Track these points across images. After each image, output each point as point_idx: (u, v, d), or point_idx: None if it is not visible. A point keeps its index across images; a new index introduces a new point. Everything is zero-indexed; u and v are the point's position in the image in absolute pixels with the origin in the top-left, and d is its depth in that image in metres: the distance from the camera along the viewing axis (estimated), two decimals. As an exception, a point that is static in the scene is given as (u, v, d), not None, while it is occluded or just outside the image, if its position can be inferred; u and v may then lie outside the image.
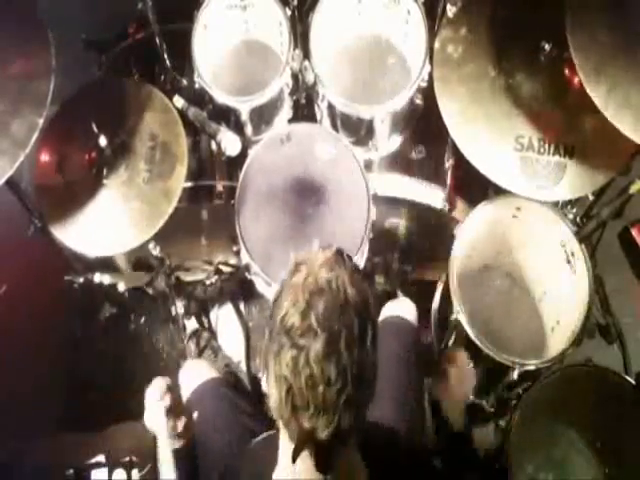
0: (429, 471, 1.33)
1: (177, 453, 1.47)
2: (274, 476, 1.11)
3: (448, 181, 2.11)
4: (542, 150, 1.77)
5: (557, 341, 1.91)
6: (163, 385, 1.43)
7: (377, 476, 1.13)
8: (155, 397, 1.43)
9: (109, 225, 1.81)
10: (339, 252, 1.03)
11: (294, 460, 0.98)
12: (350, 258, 1.04)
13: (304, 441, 0.97)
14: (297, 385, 0.94)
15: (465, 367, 1.61)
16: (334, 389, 0.93)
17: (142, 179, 1.81)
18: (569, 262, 1.90)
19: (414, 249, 2.28)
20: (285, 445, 1.06)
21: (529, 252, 2.09)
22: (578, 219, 1.96)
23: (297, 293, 0.97)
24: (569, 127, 1.78)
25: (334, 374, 0.93)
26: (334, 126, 2.08)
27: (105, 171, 1.81)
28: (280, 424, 1.02)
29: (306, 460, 0.99)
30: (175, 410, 1.44)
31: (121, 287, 2.24)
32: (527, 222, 1.97)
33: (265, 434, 1.34)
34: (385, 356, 1.80)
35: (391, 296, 2.29)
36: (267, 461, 1.14)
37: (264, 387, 1.04)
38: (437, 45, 1.85)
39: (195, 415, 1.62)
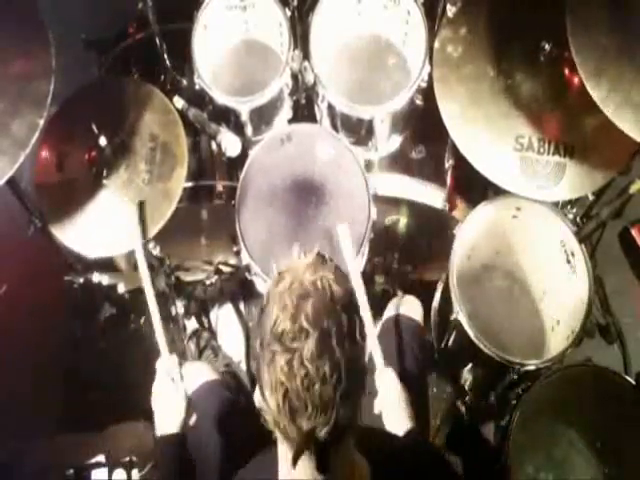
0: (439, 466, 1.33)
1: (176, 438, 1.49)
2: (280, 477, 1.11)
3: (448, 181, 2.11)
4: (542, 150, 1.77)
5: (557, 341, 1.91)
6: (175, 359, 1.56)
7: (381, 472, 1.13)
8: (169, 368, 1.50)
9: (109, 225, 1.81)
10: (319, 255, 1.05)
11: (295, 463, 0.98)
12: (331, 259, 1.06)
13: (304, 442, 0.97)
14: (293, 387, 0.94)
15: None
16: (330, 386, 0.94)
17: (142, 180, 1.81)
18: (569, 262, 1.90)
19: (414, 249, 2.28)
20: (284, 455, 1.06)
21: (529, 252, 2.09)
22: (578, 219, 1.96)
23: (284, 299, 0.97)
24: (569, 127, 1.78)
25: (329, 371, 0.94)
26: (334, 126, 2.08)
27: (105, 171, 1.81)
28: (278, 434, 1.02)
29: (306, 462, 1.00)
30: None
31: (121, 288, 2.24)
32: (527, 222, 1.97)
33: (257, 457, 1.33)
34: (394, 358, 1.82)
35: (391, 296, 2.29)
36: (265, 476, 1.14)
37: (258, 401, 1.03)
38: (437, 45, 1.85)
39: (195, 417, 1.63)
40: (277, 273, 1.04)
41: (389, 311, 2.02)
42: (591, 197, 1.91)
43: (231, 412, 1.78)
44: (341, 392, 0.95)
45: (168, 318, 2.29)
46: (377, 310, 2.10)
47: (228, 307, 2.56)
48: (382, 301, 2.13)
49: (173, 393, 1.55)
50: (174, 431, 1.52)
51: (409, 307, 2.00)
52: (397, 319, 1.96)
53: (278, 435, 1.02)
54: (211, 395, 1.81)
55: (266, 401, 0.99)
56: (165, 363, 1.59)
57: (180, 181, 1.79)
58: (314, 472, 1.00)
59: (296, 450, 0.97)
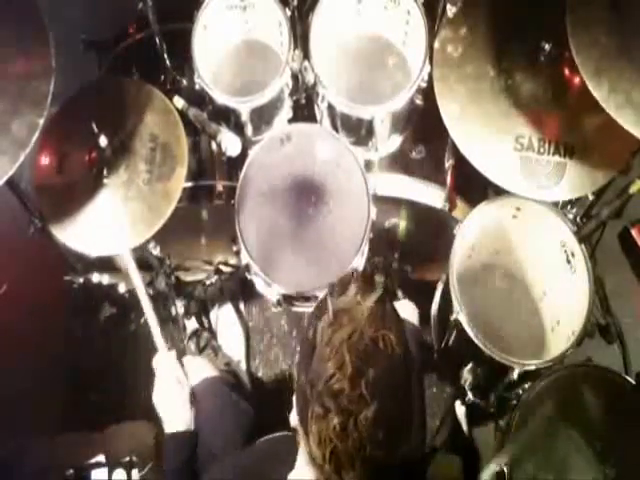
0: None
1: (182, 436, 1.48)
2: (290, 476, 1.10)
3: (448, 181, 2.11)
4: (542, 150, 1.77)
5: (557, 341, 1.91)
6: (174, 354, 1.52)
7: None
8: (169, 364, 1.45)
9: (109, 225, 1.81)
10: (379, 288, 1.00)
11: None
12: (390, 302, 1.00)
13: None
14: (343, 448, 0.91)
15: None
16: (382, 448, 0.92)
17: (142, 180, 1.81)
18: (569, 262, 1.90)
19: (414, 249, 2.28)
20: (305, 459, 1.03)
21: (529, 252, 2.09)
22: (578, 219, 1.96)
23: (342, 354, 0.92)
24: (569, 127, 1.78)
25: (383, 437, 0.91)
26: (334, 126, 2.08)
27: (105, 171, 1.81)
28: (312, 464, 0.98)
29: None
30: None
31: (121, 287, 2.24)
32: (527, 222, 1.97)
33: (278, 434, 1.33)
34: None
35: (391, 296, 2.29)
36: (278, 459, 1.13)
37: (293, 423, 1.01)
38: (437, 45, 1.85)
39: (194, 412, 1.63)
40: (333, 313, 0.97)
41: None
42: (591, 197, 1.91)
43: (231, 409, 1.78)
44: (391, 452, 0.93)
45: (168, 318, 2.29)
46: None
47: (228, 307, 2.56)
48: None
49: (178, 389, 1.53)
50: (183, 427, 1.49)
51: (406, 310, 2.01)
52: None
53: (311, 464, 0.98)
54: (211, 391, 1.81)
55: (310, 444, 0.95)
56: (163, 359, 1.57)
57: (180, 182, 1.79)
58: None
59: None
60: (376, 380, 0.91)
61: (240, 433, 1.70)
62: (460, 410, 2.08)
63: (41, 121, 1.52)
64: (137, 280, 1.66)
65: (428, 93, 1.90)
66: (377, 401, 0.90)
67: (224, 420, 1.72)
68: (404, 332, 0.99)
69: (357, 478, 0.93)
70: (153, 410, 1.68)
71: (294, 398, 1.01)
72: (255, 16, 2.11)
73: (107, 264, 2.15)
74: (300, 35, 2.04)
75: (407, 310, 2.02)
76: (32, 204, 1.84)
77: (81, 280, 2.18)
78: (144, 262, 1.97)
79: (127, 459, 1.74)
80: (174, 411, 1.52)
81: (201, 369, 1.87)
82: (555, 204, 1.93)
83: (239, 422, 1.73)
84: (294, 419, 1.01)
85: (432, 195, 2.09)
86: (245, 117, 2.00)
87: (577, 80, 1.75)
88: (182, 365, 1.58)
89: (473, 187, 2.06)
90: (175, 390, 1.53)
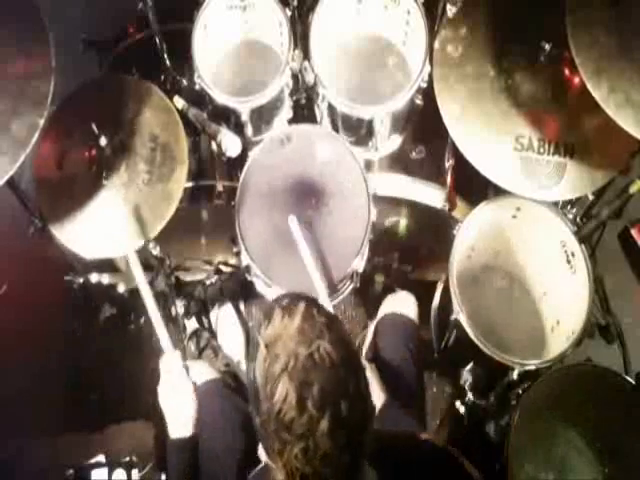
0: (431, 466, 1.33)
1: (182, 443, 1.48)
2: None
3: (448, 181, 2.11)
4: (542, 150, 1.77)
5: (557, 341, 1.91)
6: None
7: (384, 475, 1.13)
8: (175, 364, 1.49)
9: (109, 226, 1.81)
10: (306, 307, 0.99)
11: None
12: (319, 308, 1.00)
13: None
14: (311, 469, 0.93)
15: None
16: (347, 452, 0.93)
17: (142, 180, 1.81)
18: (569, 262, 1.90)
19: (414, 249, 2.28)
20: None
21: (529, 252, 2.09)
22: (578, 219, 1.96)
23: (284, 386, 0.93)
24: (569, 127, 1.78)
25: (345, 439, 0.92)
26: (334, 126, 2.08)
27: (105, 171, 1.81)
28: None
29: None
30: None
31: (121, 287, 2.24)
32: (527, 222, 1.97)
33: (259, 468, 1.33)
34: (391, 358, 1.82)
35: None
36: None
37: (263, 459, 1.04)
38: (437, 45, 1.85)
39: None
40: (265, 347, 0.97)
41: (383, 309, 2.02)
42: (591, 197, 1.91)
43: (231, 410, 1.78)
44: (357, 450, 0.94)
45: (168, 318, 2.29)
46: (377, 310, 2.11)
47: (228, 307, 2.56)
48: (383, 300, 2.14)
49: (184, 389, 1.52)
50: (189, 432, 1.49)
51: (403, 304, 2.01)
52: (392, 317, 1.96)
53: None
54: (212, 394, 1.81)
55: (278, 475, 0.96)
56: (170, 359, 1.56)
57: (180, 183, 1.79)
58: None
59: None
60: (321, 395, 0.92)
61: (240, 434, 1.70)
62: (460, 410, 2.08)
63: (41, 121, 1.52)
64: (143, 283, 1.65)
65: (428, 93, 1.90)
66: (328, 414, 0.91)
67: (225, 423, 1.72)
68: (339, 331, 0.98)
69: None
70: (153, 410, 1.67)
71: (257, 437, 1.02)
72: (255, 16, 2.11)
73: (107, 264, 2.15)
74: (300, 35, 2.04)
75: (405, 303, 2.01)
76: (32, 204, 1.84)
77: (81, 280, 2.17)
78: (144, 262, 1.97)
79: (127, 459, 1.74)
80: (179, 412, 1.51)
81: (201, 372, 1.87)
82: (555, 204, 1.93)
83: (239, 423, 1.73)
84: (262, 454, 1.02)
85: (432, 195, 2.09)
86: (245, 117, 2.00)
87: (577, 80, 1.75)
88: (187, 367, 1.57)
89: (473, 187, 2.06)
90: (181, 390, 1.52)
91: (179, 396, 1.52)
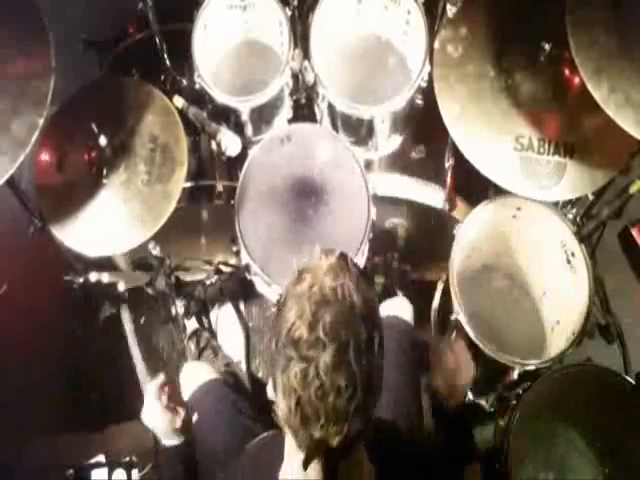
0: (432, 464, 1.33)
1: (176, 450, 1.48)
2: (280, 476, 1.11)
3: (448, 181, 2.11)
4: (542, 150, 1.77)
5: (557, 341, 1.91)
6: (158, 382, 1.46)
7: (382, 471, 1.13)
8: (152, 395, 1.44)
9: (108, 225, 1.81)
10: (343, 257, 1.02)
11: (305, 468, 0.98)
12: (354, 263, 1.03)
13: (315, 450, 0.97)
14: (307, 397, 0.93)
15: (463, 354, 1.56)
16: (344, 398, 0.93)
17: (141, 181, 1.81)
18: (569, 262, 1.90)
19: (414, 249, 2.28)
20: (292, 448, 1.05)
21: (529, 252, 2.09)
22: (578, 219, 1.96)
23: (302, 304, 0.96)
24: (569, 127, 1.78)
25: (344, 383, 0.93)
26: (334, 126, 2.08)
27: (105, 171, 1.81)
28: (287, 431, 1.01)
29: (314, 467, 0.99)
30: (173, 405, 1.45)
31: (121, 287, 2.23)
32: (527, 222, 1.97)
33: (266, 433, 1.34)
34: (394, 358, 1.81)
35: (391, 294, 2.29)
36: (269, 460, 1.14)
37: (270, 395, 1.03)
38: (437, 45, 1.85)
39: (195, 416, 1.62)
40: (296, 271, 1.02)
41: (381, 310, 2.02)
42: (591, 197, 1.91)
43: (231, 411, 1.78)
44: (355, 404, 0.94)
45: (168, 318, 2.29)
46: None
47: (228, 307, 2.55)
48: (382, 301, 2.13)
49: (160, 416, 1.50)
50: (176, 443, 1.49)
51: (398, 307, 2.01)
52: (386, 318, 1.96)
53: (287, 431, 1.01)
54: (211, 394, 1.81)
55: (278, 401, 0.98)
56: (149, 389, 1.55)
57: (179, 184, 1.79)
58: (322, 474, 1.00)
59: (306, 456, 0.97)
60: (333, 324, 0.94)
61: (239, 435, 1.70)
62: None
63: (41, 121, 1.52)
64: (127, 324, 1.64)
65: (428, 93, 1.90)
66: (334, 345, 0.93)
67: (223, 424, 1.72)
68: (367, 289, 1.01)
69: (324, 430, 0.94)
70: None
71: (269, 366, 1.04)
72: (255, 16, 2.11)
73: (107, 263, 2.15)
74: (300, 35, 2.04)
75: (400, 307, 2.02)
76: (32, 204, 1.84)
77: (81, 280, 2.17)
78: (144, 262, 1.98)
79: (127, 459, 1.74)
80: (162, 431, 1.51)
81: (200, 372, 1.87)
82: (555, 204, 1.93)
83: (238, 424, 1.73)
84: (269, 389, 1.04)
85: (432, 195, 2.09)
86: (245, 117, 2.00)
87: (577, 80, 1.75)
88: (177, 384, 1.55)
89: (473, 187, 2.06)
90: (158, 417, 1.50)
91: (157, 421, 1.49)
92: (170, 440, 1.47)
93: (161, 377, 1.47)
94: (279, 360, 0.97)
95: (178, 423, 1.45)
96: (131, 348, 1.59)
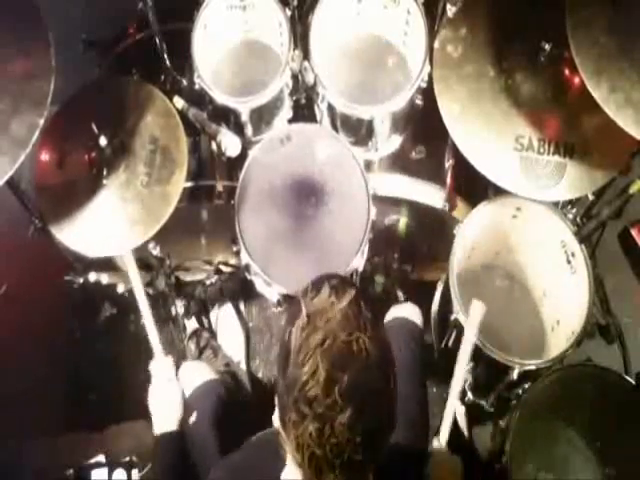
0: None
1: (171, 438, 1.49)
2: (282, 476, 1.11)
3: (448, 181, 2.11)
4: (542, 150, 1.77)
5: (557, 341, 1.91)
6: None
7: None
8: (166, 367, 1.45)
9: (108, 226, 1.81)
10: (355, 297, 0.97)
11: None
12: (365, 299, 0.99)
13: None
14: (322, 453, 0.92)
15: (446, 462, 1.52)
16: (360, 452, 0.92)
17: (141, 182, 1.80)
18: (569, 262, 1.90)
19: (414, 249, 2.28)
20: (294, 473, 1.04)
21: (529, 252, 2.09)
22: (578, 219, 1.96)
23: (316, 361, 0.91)
24: (569, 127, 1.78)
25: (360, 440, 0.91)
26: (334, 126, 2.08)
27: (105, 171, 1.81)
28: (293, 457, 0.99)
29: None
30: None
31: (121, 287, 2.24)
32: (527, 222, 1.97)
33: (268, 430, 1.34)
34: (402, 358, 1.82)
35: (391, 296, 2.29)
36: (270, 456, 1.13)
37: (276, 425, 1.03)
38: (437, 45, 1.85)
39: (194, 416, 1.63)
40: (306, 316, 0.96)
41: (391, 314, 2.03)
42: (591, 197, 1.91)
43: (230, 411, 1.78)
44: (371, 452, 0.93)
45: (168, 318, 2.29)
46: (376, 309, 2.10)
47: (228, 307, 2.56)
48: (382, 301, 2.13)
49: (170, 394, 1.54)
50: (172, 429, 1.51)
51: (409, 311, 2.01)
52: (397, 320, 1.96)
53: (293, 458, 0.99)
54: (210, 394, 1.81)
55: (292, 451, 0.96)
56: (160, 364, 1.58)
57: (179, 185, 1.79)
58: None
59: None
60: (350, 385, 0.90)
61: (238, 435, 1.70)
62: (460, 410, 2.08)
63: (41, 121, 1.52)
64: (137, 284, 1.66)
65: (428, 93, 1.90)
66: (352, 407, 0.90)
67: (222, 423, 1.72)
68: (380, 333, 0.98)
69: (336, 476, 0.93)
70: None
71: (275, 400, 1.01)
72: (255, 16, 2.11)
73: (106, 264, 2.15)
74: (300, 35, 2.04)
75: (408, 310, 2.02)
76: (32, 204, 1.84)
77: (81, 280, 2.17)
78: (144, 262, 1.98)
79: (127, 459, 1.74)
80: (164, 414, 1.53)
81: (200, 372, 1.87)
82: (555, 204, 1.93)
83: (237, 424, 1.73)
84: (276, 420, 1.02)
85: (432, 195, 2.09)
86: (245, 117, 2.00)
87: (577, 80, 1.75)
88: (177, 371, 1.59)
89: (473, 187, 2.06)
90: (167, 395, 1.54)
91: (166, 399, 1.53)
92: (168, 426, 1.48)
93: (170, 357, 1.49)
94: (290, 412, 0.93)
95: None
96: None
